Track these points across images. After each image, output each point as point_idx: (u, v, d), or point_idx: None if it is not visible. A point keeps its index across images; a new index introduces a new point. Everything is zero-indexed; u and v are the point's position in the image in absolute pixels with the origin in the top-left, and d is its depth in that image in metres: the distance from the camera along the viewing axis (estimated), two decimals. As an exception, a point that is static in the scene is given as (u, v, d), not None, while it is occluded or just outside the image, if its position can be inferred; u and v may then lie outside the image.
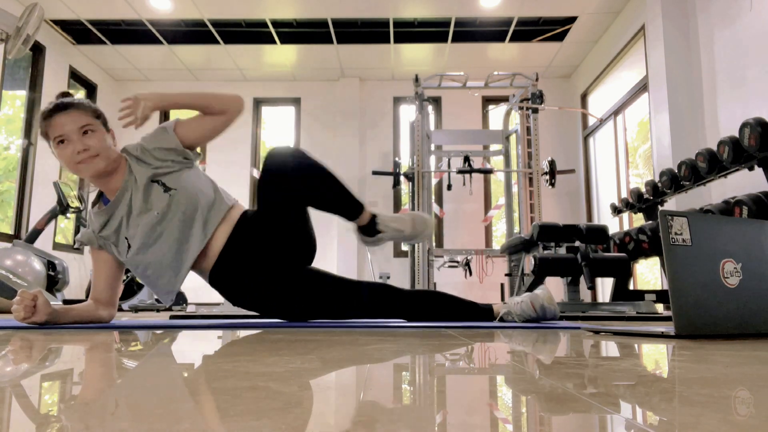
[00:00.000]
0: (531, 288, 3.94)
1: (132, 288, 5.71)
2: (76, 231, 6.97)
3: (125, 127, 1.78)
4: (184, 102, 1.82)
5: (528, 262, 4.50)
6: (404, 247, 6.88)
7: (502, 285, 6.54)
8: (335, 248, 7.08)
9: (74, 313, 1.73)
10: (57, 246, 6.42)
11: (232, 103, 1.84)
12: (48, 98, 6.31)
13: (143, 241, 1.76)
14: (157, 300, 5.31)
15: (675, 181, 4.01)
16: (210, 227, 1.80)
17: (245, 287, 1.86)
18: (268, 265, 1.85)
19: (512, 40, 6.64)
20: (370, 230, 1.90)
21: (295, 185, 1.80)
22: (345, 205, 1.87)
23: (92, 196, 1.90)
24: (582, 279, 3.76)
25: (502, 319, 1.93)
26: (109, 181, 1.80)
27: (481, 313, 1.95)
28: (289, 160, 1.81)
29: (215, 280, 1.87)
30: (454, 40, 6.66)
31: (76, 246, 1.94)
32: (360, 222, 1.90)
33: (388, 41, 6.68)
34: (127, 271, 5.82)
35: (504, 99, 6.68)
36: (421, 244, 5.09)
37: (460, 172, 5.50)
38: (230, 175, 7.22)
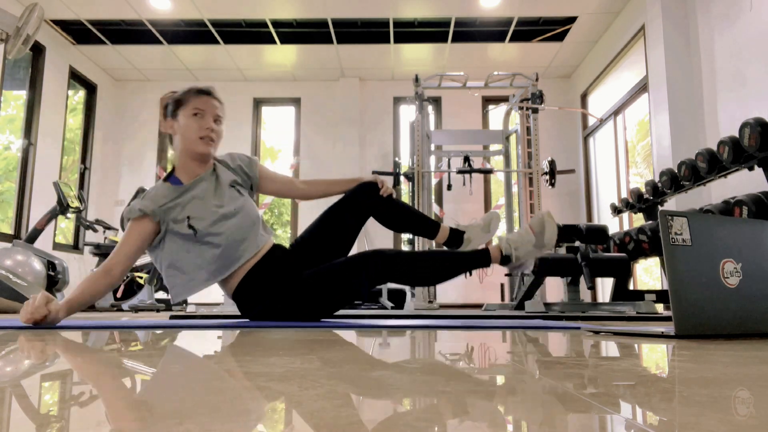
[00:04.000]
0: (531, 288, 3.95)
1: (132, 288, 5.71)
2: (77, 231, 6.97)
3: None
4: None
5: (528, 262, 4.49)
6: (404, 246, 6.88)
7: (502, 285, 6.54)
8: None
9: (76, 303, 1.74)
10: (57, 246, 6.42)
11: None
12: (48, 98, 6.32)
13: (226, 211, 1.97)
14: (157, 300, 5.30)
15: (675, 181, 4.01)
16: (260, 243, 2.02)
17: (264, 306, 2.02)
18: (290, 291, 2.02)
19: (512, 40, 6.63)
20: (454, 242, 2.14)
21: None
22: (424, 229, 2.14)
23: (153, 174, 2.05)
24: (582, 279, 3.76)
25: (508, 259, 2.02)
26: (199, 166, 2.02)
27: (478, 259, 2.04)
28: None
29: (238, 295, 2.02)
30: (454, 40, 6.65)
31: (129, 217, 1.98)
32: (440, 239, 2.13)
33: (388, 41, 6.68)
34: (130, 271, 5.80)
35: (504, 99, 6.67)
36: (421, 241, 5.10)
37: (460, 172, 5.50)
38: (230, 175, 7.22)
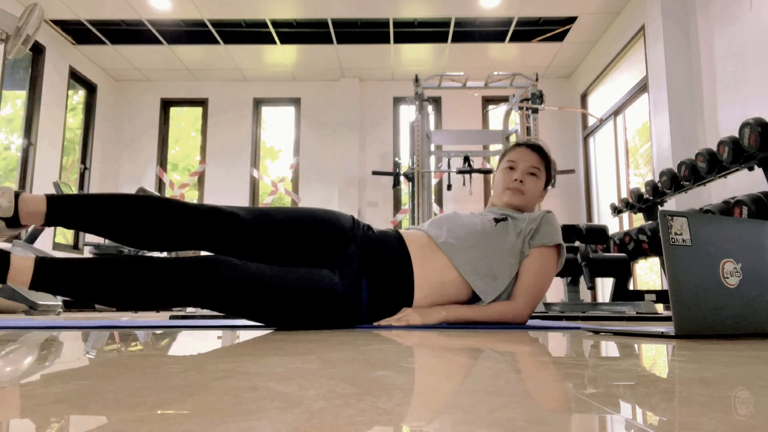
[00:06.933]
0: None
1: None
2: (77, 231, 6.97)
3: None
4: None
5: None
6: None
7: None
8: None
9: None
10: (57, 246, 6.42)
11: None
12: (48, 98, 6.33)
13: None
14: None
15: (675, 181, 4.01)
16: None
17: None
18: None
19: (512, 40, 6.64)
20: None
21: None
22: None
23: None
24: (582, 279, 3.76)
25: None
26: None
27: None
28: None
29: None
30: (454, 40, 6.66)
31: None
32: None
33: (388, 41, 6.69)
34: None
35: (504, 99, 6.67)
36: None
37: (460, 172, 5.50)
38: (230, 175, 7.22)
